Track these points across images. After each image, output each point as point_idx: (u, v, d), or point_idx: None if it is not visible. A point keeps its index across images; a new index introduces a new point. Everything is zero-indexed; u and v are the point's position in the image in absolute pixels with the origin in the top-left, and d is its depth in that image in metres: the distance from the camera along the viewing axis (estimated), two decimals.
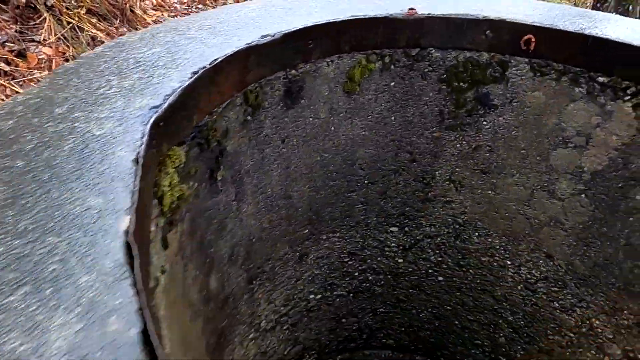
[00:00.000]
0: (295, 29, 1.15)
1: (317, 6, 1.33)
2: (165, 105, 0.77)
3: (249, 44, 1.04)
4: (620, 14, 5.41)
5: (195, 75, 0.88)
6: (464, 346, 2.27)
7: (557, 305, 1.81)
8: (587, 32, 1.31)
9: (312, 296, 2.01)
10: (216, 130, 1.02)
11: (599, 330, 1.67)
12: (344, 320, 2.27)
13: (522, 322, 1.97)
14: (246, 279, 1.47)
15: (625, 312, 1.55)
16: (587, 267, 1.65)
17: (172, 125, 0.81)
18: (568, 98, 1.42)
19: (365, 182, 1.74)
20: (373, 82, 1.46)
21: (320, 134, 1.47)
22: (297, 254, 1.76)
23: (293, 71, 1.25)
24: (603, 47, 1.30)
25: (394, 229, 1.95)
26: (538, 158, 1.59)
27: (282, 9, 1.30)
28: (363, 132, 1.57)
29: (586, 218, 1.59)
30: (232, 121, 1.09)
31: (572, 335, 1.78)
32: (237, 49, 1.00)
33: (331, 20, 1.24)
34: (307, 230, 1.72)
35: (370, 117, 1.54)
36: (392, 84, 1.48)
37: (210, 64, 0.92)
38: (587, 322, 1.71)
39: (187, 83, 0.84)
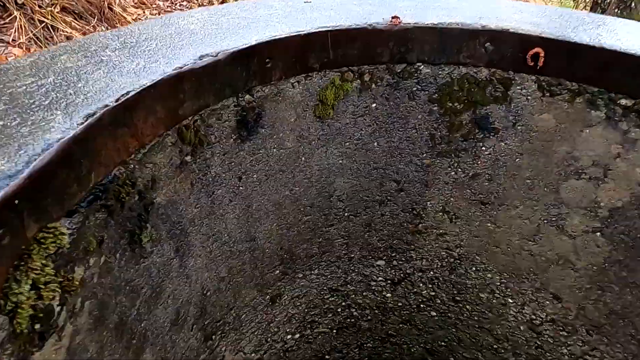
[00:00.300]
0: (245, 45, 0.92)
1: (279, 15, 1.09)
2: (27, 172, 0.53)
3: (180, 68, 0.80)
4: (622, 11, 5.15)
5: (91, 119, 0.64)
6: None
7: (565, 351, 1.59)
8: (607, 45, 1.08)
9: (289, 337, 1.79)
10: (135, 183, 0.78)
11: None
12: (327, 357, 2.05)
13: None
14: (201, 338, 1.24)
15: None
16: (601, 313, 1.42)
17: (44, 197, 0.58)
18: (583, 123, 1.19)
19: (346, 214, 1.51)
20: (350, 104, 1.22)
21: (289, 166, 1.24)
22: (268, 297, 1.53)
23: (247, 96, 1.01)
24: (627, 63, 1.07)
25: (381, 262, 1.72)
26: (546, 190, 1.36)
27: (235, 18, 1.06)
28: (340, 161, 1.34)
29: (601, 259, 1.36)
30: (162, 166, 0.86)
31: None
32: (160, 77, 0.76)
33: (295, 33, 1.01)
34: (278, 271, 1.49)
35: (348, 143, 1.31)
36: (374, 105, 1.25)
37: (116, 100, 0.69)
38: None
39: (73, 133, 0.61)
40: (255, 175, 1.16)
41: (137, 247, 0.84)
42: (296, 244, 1.46)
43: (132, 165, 0.77)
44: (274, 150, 1.17)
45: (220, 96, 0.94)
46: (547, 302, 1.57)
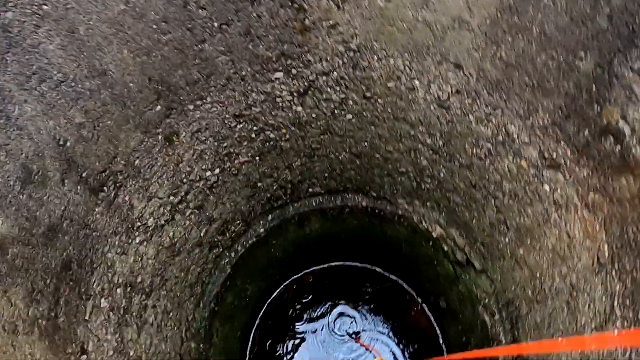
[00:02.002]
0: None
1: None
2: None
3: None
4: None
5: None
6: (389, 176, 2.17)
7: (472, 118, 1.61)
8: None
9: (208, 173, 1.75)
10: None
11: (515, 136, 1.51)
12: (259, 184, 2.08)
13: (440, 142, 1.81)
14: (86, 191, 1.16)
15: (540, 111, 1.37)
16: (499, 70, 1.39)
17: None
18: None
19: (215, 24, 1.30)
20: None
21: None
22: (160, 137, 1.41)
23: None
24: None
25: (279, 74, 1.59)
26: None
27: None
28: None
29: (493, 9, 1.26)
30: None
31: (489, 145, 1.64)
32: None
33: None
34: (160, 107, 1.34)
35: None
36: None
37: None
38: (503, 129, 1.54)
39: None
40: None
41: None
42: (167, 71, 1.28)
43: None
44: None
45: None
46: (450, 74, 1.52)
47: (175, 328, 1.74)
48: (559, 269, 1.50)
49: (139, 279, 1.48)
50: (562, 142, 1.35)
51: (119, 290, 1.34)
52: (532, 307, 1.70)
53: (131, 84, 1.20)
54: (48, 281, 0.97)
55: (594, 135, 1.22)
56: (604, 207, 1.25)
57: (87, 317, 1.12)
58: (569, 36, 1.15)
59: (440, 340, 2.67)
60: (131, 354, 1.33)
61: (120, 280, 1.35)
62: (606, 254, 1.26)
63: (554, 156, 1.40)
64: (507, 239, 1.81)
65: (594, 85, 1.16)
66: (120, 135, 1.24)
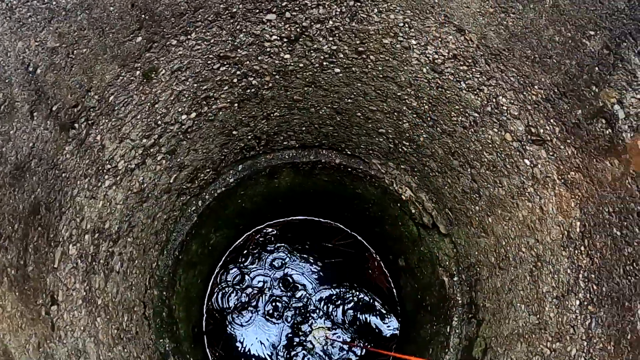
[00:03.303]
0: None
1: None
2: None
3: None
4: None
5: None
6: (367, 136, 2.14)
7: (464, 85, 1.59)
8: None
9: (184, 117, 1.63)
10: None
11: (505, 108, 1.52)
12: (234, 132, 1.98)
13: (426, 107, 1.79)
14: (56, 127, 1.03)
15: (536, 87, 1.37)
16: (502, 39, 1.36)
17: None
18: None
19: None
20: None
21: None
22: (139, 72, 1.27)
23: None
24: None
25: (271, 16, 1.46)
26: None
27: None
28: None
29: None
30: None
31: (476, 115, 1.64)
32: None
33: None
34: (141, 38, 1.20)
35: None
36: None
37: None
38: (494, 100, 1.54)
39: None
40: None
41: None
42: None
43: None
44: None
45: None
46: (451, 37, 1.48)
47: (140, 276, 1.67)
48: (526, 240, 1.58)
49: (107, 225, 1.38)
50: (552, 120, 1.36)
51: (87, 237, 1.24)
52: (493, 272, 1.79)
53: (111, 8, 1.05)
54: (16, 226, 0.86)
55: (587, 116, 1.24)
56: (583, 187, 1.30)
57: (55, 265, 1.03)
58: (583, 12, 1.13)
59: (396, 297, 2.79)
60: (99, 302, 1.26)
61: (88, 226, 1.24)
62: (577, 230, 1.33)
63: (541, 132, 1.42)
64: (477, 207, 1.87)
65: (597, 67, 1.16)
66: (96, 66, 1.09)
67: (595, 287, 1.21)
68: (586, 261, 1.28)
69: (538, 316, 1.45)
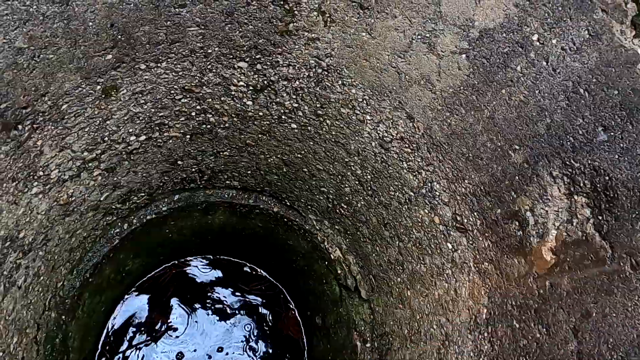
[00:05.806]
0: None
1: None
2: None
3: None
4: None
5: None
6: (309, 192, 2.21)
7: (405, 165, 1.74)
8: None
9: (132, 138, 1.60)
10: None
11: (437, 193, 1.67)
12: (179, 162, 1.96)
13: (369, 177, 1.91)
14: None
15: (466, 181, 1.53)
16: (444, 134, 1.53)
17: None
18: None
19: None
20: None
21: None
22: (99, 87, 1.26)
23: None
24: None
25: (243, 64, 1.53)
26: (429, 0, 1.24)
27: None
28: None
29: (459, 82, 1.39)
30: None
31: (411, 194, 1.78)
32: None
33: None
34: (110, 56, 1.20)
35: None
36: None
37: None
38: (429, 184, 1.69)
39: None
40: None
41: None
42: (134, 22, 1.15)
43: None
44: None
45: None
46: (401, 121, 1.63)
47: (42, 294, 1.54)
48: (438, 318, 1.68)
49: (22, 234, 1.28)
50: (475, 213, 1.52)
51: None
52: (404, 344, 1.87)
53: (90, 23, 1.05)
54: None
55: (504, 216, 1.41)
56: (493, 278, 1.45)
57: None
58: (512, 129, 1.32)
59: (306, 354, 2.77)
60: None
61: (2, 233, 1.15)
62: (484, 317, 1.45)
63: (465, 222, 1.57)
64: (399, 279, 1.97)
65: (517, 176, 1.34)
66: (58, 73, 1.07)
67: None
68: (487, 347, 1.39)
69: None
